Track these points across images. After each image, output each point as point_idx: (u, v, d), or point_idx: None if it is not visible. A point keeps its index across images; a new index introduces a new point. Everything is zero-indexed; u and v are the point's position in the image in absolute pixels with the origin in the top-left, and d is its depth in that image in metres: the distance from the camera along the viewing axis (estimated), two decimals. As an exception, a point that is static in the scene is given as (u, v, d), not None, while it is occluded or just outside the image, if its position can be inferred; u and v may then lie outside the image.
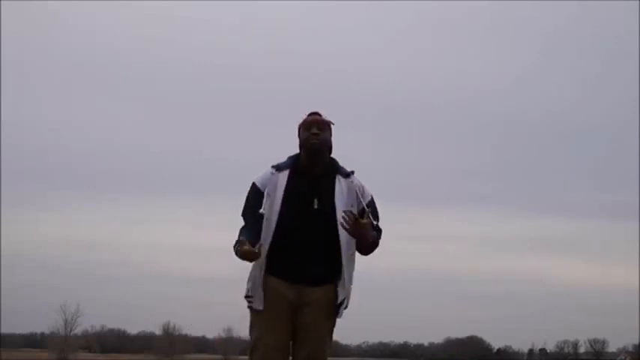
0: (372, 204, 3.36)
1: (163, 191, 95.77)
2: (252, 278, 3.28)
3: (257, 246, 3.15)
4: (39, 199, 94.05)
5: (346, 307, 3.33)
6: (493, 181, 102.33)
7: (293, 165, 3.35)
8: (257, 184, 3.33)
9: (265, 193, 3.27)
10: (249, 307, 3.29)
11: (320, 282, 3.27)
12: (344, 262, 3.24)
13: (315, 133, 3.30)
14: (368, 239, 3.25)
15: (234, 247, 3.24)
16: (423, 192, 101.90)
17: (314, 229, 3.25)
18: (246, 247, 3.14)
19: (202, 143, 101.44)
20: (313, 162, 3.34)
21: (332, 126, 3.38)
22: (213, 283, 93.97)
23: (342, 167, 3.39)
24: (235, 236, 3.31)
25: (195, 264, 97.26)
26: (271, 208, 3.25)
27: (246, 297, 3.29)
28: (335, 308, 3.29)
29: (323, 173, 3.34)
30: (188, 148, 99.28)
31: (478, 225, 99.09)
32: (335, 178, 3.33)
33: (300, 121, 3.38)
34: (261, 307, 3.24)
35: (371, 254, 3.37)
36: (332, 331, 3.35)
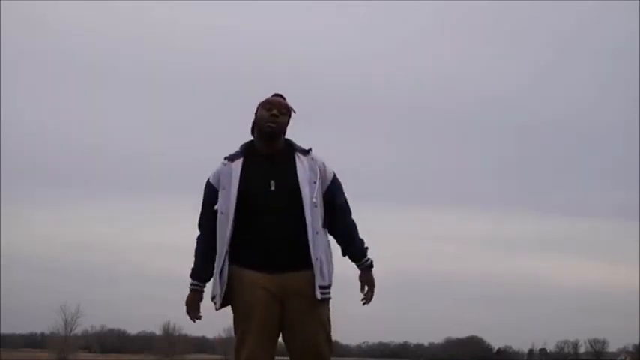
0: (336, 181, 3.23)
1: (163, 191, 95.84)
2: (213, 279, 3.16)
3: (196, 315, 3.26)
4: (39, 200, 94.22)
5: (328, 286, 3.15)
6: (493, 181, 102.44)
7: (246, 151, 3.19)
8: (210, 180, 3.19)
9: (220, 188, 3.14)
10: (216, 309, 3.16)
11: (296, 266, 3.08)
12: (310, 243, 3.06)
13: (275, 114, 3.13)
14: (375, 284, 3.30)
15: (190, 284, 3.25)
16: (423, 192, 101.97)
17: (275, 211, 3.08)
18: (191, 310, 3.26)
19: (202, 143, 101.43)
20: (266, 144, 3.17)
21: (292, 113, 3.23)
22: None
23: (299, 146, 3.23)
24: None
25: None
26: (228, 201, 3.09)
27: (212, 299, 3.17)
28: (315, 292, 3.07)
29: (279, 153, 3.18)
30: (188, 148, 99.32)
31: (478, 225, 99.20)
32: (294, 156, 3.18)
33: (262, 99, 3.21)
34: (217, 307, 3.13)
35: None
36: (328, 316, 3.17)
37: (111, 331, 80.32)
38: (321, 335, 3.13)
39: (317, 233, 3.08)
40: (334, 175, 3.23)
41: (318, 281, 3.07)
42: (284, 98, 3.21)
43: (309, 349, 3.11)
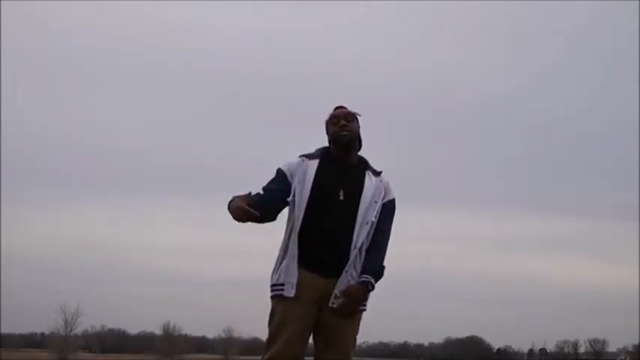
0: (391, 204, 3.34)
1: (163, 191, 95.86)
2: (283, 267, 3.18)
3: (250, 205, 3.01)
4: (39, 200, 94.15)
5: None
6: (493, 181, 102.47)
7: (323, 155, 3.33)
8: (282, 168, 3.27)
9: (295, 179, 3.21)
10: (276, 295, 3.17)
11: (338, 275, 3.17)
12: (351, 256, 3.18)
13: (344, 124, 3.30)
14: (360, 302, 3.21)
15: (230, 202, 3.12)
16: (423, 192, 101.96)
17: (338, 219, 3.20)
18: (244, 203, 3.02)
19: (202, 143, 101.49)
20: (345, 153, 3.32)
21: (359, 117, 3.39)
22: (214, 283, 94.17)
23: (372, 166, 3.39)
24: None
25: (195, 264, 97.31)
26: (301, 194, 3.20)
27: (274, 285, 3.19)
28: (330, 300, 3.18)
29: (353, 166, 3.33)
30: (188, 148, 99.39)
31: (478, 225, 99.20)
32: (366, 172, 3.32)
33: (327, 117, 3.38)
34: (292, 295, 3.14)
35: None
36: (357, 325, 3.28)
37: (111, 331, 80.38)
38: (349, 342, 3.24)
39: (355, 248, 3.18)
40: (392, 200, 3.35)
41: (337, 290, 3.16)
42: (345, 108, 3.37)
43: (334, 355, 3.21)
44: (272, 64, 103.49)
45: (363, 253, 3.22)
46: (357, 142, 3.36)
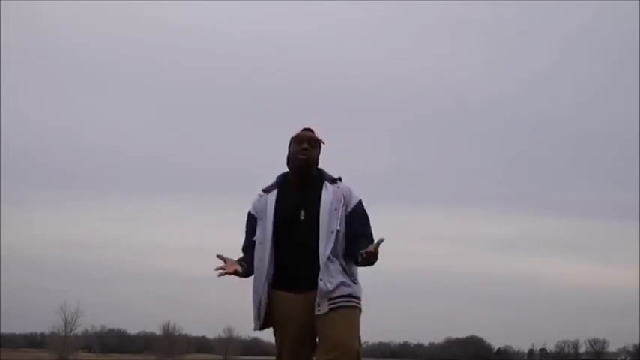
0: (359, 207, 3.42)
1: (163, 191, 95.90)
2: (253, 303, 3.40)
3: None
4: (38, 199, 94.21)
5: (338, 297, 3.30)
6: (493, 181, 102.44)
7: (280, 183, 3.48)
8: (251, 211, 3.49)
9: (258, 218, 3.42)
10: (253, 329, 3.44)
11: (314, 287, 3.29)
12: (321, 267, 3.27)
13: (305, 148, 3.39)
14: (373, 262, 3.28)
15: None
16: (423, 192, 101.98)
17: (303, 239, 3.34)
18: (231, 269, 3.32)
19: (202, 143, 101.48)
20: (299, 176, 3.44)
21: (322, 145, 3.47)
22: (213, 283, 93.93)
23: (329, 175, 3.47)
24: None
25: (195, 264, 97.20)
26: (264, 230, 3.38)
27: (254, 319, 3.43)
28: (315, 309, 3.28)
29: (310, 185, 3.43)
30: (188, 148, 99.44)
31: (478, 225, 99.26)
32: (322, 186, 3.41)
33: (293, 134, 3.45)
34: (258, 329, 3.40)
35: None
36: (355, 323, 3.33)
37: (111, 331, 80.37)
38: (345, 339, 3.25)
39: (324, 257, 3.28)
40: (359, 202, 3.42)
41: (324, 296, 3.26)
42: (313, 132, 3.45)
43: (332, 353, 3.24)
44: (272, 64, 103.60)
45: (335, 260, 3.31)
46: (314, 168, 3.46)
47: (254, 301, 3.40)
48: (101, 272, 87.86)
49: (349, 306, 3.31)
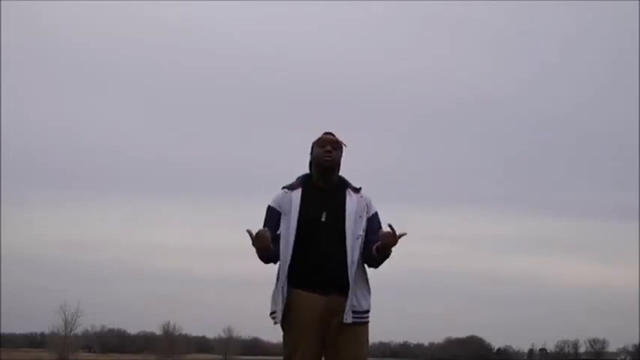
0: (375, 217, 3.52)
1: (163, 191, 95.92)
2: (274, 296, 3.44)
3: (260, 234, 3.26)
4: (38, 199, 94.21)
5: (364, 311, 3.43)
6: (493, 181, 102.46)
7: (304, 183, 3.53)
8: (272, 205, 3.50)
9: (282, 212, 3.45)
10: (275, 323, 3.43)
11: (338, 291, 3.37)
12: (349, 272, 3.37)
13: (329, 150, 3.48)
14: (389, 253, 3.38)
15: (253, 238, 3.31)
16: (423, 192, 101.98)
17: (324, 241, 3.41)
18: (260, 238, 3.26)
19: (202, 143, 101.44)
20: (324, 178, 3.52)
21: (344, 147, 3.55)
22: (213, 283, 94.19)
23: (351, 183, 3.57)
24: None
25: (195, 264, 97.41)
26: (288, 226, 3.42)
27: (270, 314, 3.45)
28: (345, 316, 3.36)
29: (333, 188, 3.52)
30: (188, 148, 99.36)
31: (478, 225, 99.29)
32: (346, 191, 3.51)
33: (315, 139, 3.55)
34: (279, 321, 3.39)
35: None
36: (366, 337, 3.46)
37: (111, 331, 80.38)
38: (360, 354, 3.41)
39: (353, 263, 3.38)
40: (376, 213, 3.55)
41: (351, 307, 3.36)
42: (334, 135, 3.55)
43: None
44: (272, 64, 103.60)
45: (361, 267, 3.44)
46: (337, 169, 3.55)
47: (276, 295, 3.41)
48: (101, 272, 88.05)
49: (366, 322, 3.45)
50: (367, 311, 3.45)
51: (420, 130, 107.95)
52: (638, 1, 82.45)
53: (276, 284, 3.43)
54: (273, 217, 3.47)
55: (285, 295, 3.38)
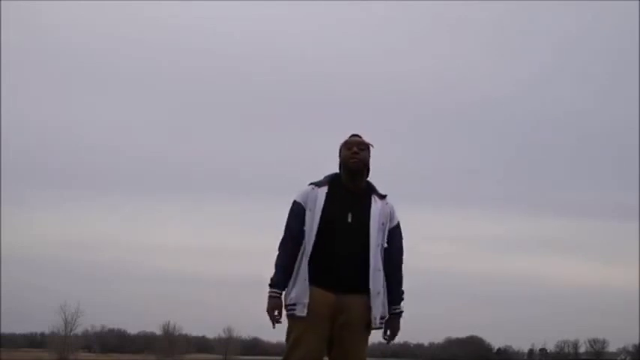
0: (398, 229, 3.62)
1: (163, 191, 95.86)
2: (296, 288, 3.44)
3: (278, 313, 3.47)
4: (38, 199, 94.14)
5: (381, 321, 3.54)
6: (493, 181, 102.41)
7: (331, 182, 3.57)
8: (298, 200, 3.55)
9: (307, 208, 3.49)
10: (289, 315, 3.44)
11: (353, 290, 3.43)
12: (370, 279, 3.43)
13: (356, 152, 3.54)
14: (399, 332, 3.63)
15: (270, 286, 3.49)
16: (423, 192, 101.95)
17: (347, 241, 3.45)
18: (274, 317, 3.46)
19: (202, 143, 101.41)
20: (353, 179, 3.56)
21: (371, 148, 3.62)
22: (213, 283, 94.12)
23: (377, 190, 3.61)
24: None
25: (194, 264, 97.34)
26: (312, 221, 3.46)
27: (288, 305, 3.45)
28: (368, 322, 3.47)
29: (360, 191, 3.56)
30: (188, 148, 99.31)
31: (478, 225, 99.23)
32: (371, 197, 3.55)
33: (342, 141, 3.61)
34: (303, 314, 3.39)
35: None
36: (367, 340, 3.54)
37: (111, 331, 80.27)
38: (359, 354, 3.48)
39: (378, 270, 3.46)
40: (398, 223, 3.62)
41: (379, 312, 3.47)
42: (360, 137, 3.62)
43: None
44: (272, 64, 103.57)
45: (382, 273, 3.49)
46: (366, 171, 3.61)
47: (301, 288, 3.43)
48: (101, 272, 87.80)
49: (377, 328, 3.54)
50: (383, 317, 3.54)
51: (420, 130, 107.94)
52: (638, 1, 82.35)
53: (297, 277, 3.44)
54: (298, 212, 3.52)
55: (307, 287, 3.40)
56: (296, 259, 3.47)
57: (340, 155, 3.61)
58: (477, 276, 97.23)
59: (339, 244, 3.43)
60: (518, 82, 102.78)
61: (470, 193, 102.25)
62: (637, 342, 70.97)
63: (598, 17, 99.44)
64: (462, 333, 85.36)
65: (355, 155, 3.54)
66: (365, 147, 3.59)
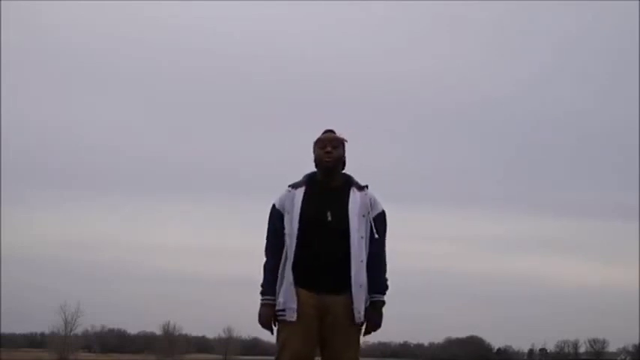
0: (381, 217, 3.53)
1: (163, 191, 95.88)
2: (283, 292, 3.43)
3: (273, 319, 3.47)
4: (38, 199, 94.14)
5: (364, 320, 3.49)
6: (493, 181, 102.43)
7: (308, 181, 3.55)
8: (276, 205, 3.53)
9: (285, 212, 3.47)
10: (280, 320, 3.44)
11: (338, 290, 3.40)
12: (352, 272, 3.39)
13: (329, 151, 3.49)
14: (380, 323, 3.53)
15: (261, 295, 3.50)
16: (423, 192, 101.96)
17: (329, 240, 3.42)
18: (267, 324, 3.49)
19: (202, 143, 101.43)
20: (328, 178, 3.53)
21: (345, 143, 3.57)
22: (213, 283, 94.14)
23: (357, 181, 3.56)
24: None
25: (195, 264, 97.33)
26: (291, 225, 3.44)
27: (278, 311, 3.45)
28: (354, 319, 3.43)
29: (338, 187, 3.52)
30: (188, 148, 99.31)
31: (478, 225, 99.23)
32: (350, 190, 3.50)
33: (315, 138, 3.56)
34: (293, 319, 3.39)
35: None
36: (359, 337, 3.50)
37: (111, 331, 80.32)
38: (350, 354, 3.45)
39: (361, 261, 3.41)
40: (382, 212, 3.55)
41: (359, 306, 3.41)
42: (334, 132, 3.56)
43: None
44: (272, 64, 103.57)
45: (364, 266, 3.43)
46: (341, 166, 3.57)
47: (288, 293, 3.42)
48: (101, 272, 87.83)
49: (363, 323, 3.49)
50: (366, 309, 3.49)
51: (420, 130, 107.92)
52: (638, 1, 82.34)
53: (283, 282, 3.44)
54: (275, 217, 3.52)
55: (294, 291, 3.39)
56: (280, 264, 3.47)
57: (314, 153, 3.57)
58: (477, 276, 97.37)
59: (320, 244, 3.41)
60: (518, 82, 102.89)
61: (470, 193, 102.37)
62: (637, 342, 71.08)
63: (598, 17, 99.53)
64: (462, 333, 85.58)
65: (329, 155, 3.50)
66: (339, 143, 3.54)
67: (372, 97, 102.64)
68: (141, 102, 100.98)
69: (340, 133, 3.57)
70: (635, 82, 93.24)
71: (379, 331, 3.52)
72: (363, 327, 3.49)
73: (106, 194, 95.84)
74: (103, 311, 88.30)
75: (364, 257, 3.42)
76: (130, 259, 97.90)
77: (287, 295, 3.40)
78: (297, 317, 3.38)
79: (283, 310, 3.41)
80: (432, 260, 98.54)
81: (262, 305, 3.49)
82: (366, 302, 3.44)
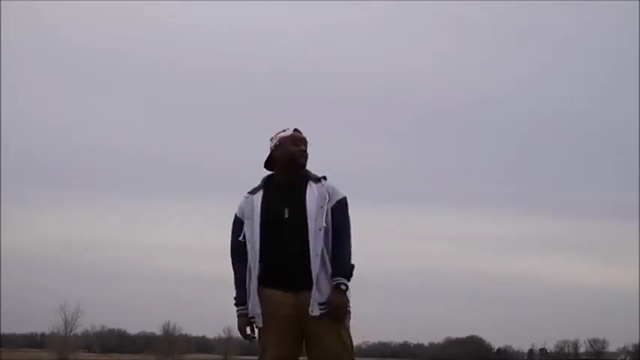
0: (340, 204, 3.51)
1: (163, 191, 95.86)
2: (251, 300, 3.50)
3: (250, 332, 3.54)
4: (38, 199, 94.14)
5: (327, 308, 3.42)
6: (493, 181, 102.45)
7: (266, 184, 3.58)
8: (237, 213, 3.60)
9: (245, 218, 3.53)
10: (256, 327, 3.50)
11: (306, 286, 3.40)
12: (312, 265, 3.40)
13: (303, 149, 3.55)
14: (344, 305, 3.44)
15: (236, 307, 3.57)
16: (423, 192, 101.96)
17: (288, 238, 3.45)
18: (246, 333, 3.55)
19: (202, 143, 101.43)
20: (294, 174, 3.54)
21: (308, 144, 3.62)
22: (213, 283, 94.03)
23: (314, 174, 3.56)
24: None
25: (195, 264, 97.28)
26: (252, 230, 3.49)
27: (250, 318, 3.51)
28: (310, 309, 3.39)
29: (295, 183, 3.53)
30: (188, 148, 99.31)
31: (478, 225, 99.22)
32: (307, 184, 3.51)
33: (283, 134, 3.57)
34: (261, 325, 3.46)
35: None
36: (345, 328, 3.45)
37: (111, 331, 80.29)
38: (337, 346, 3.42)
39: (317, 256, 3.40)
40: (342, 199, 3.53)
41: (317, 299, 3.38)
42: (301, 132, 3.59)
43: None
44: (272, 64, 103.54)
45: (326, 257, 3.42)
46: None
47: (253, 300, 3.48)
48: (101, 272, 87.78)
49: (346, 312, 3.44)
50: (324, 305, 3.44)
51: (420, 130, 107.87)
52: (638, 1, 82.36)
53: (249, 289, 3.50)
54: (237, 225, 3.59)
55: (257, 298, 3.45)
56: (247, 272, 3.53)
57: (280, 150, 3.55)
58: (477, 276, 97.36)
59: (283, 242, 3.44)
60: (518, 82, 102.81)
61: (470, 193, 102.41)
62: (637, 342, 71.08)
63: (598, 17, 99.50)
64: (462, 333, 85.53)
65: (304, 153, 3.55)
66: (307, 143, 3.60)
67: (372, 97, 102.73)
68: (141, 102, 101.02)
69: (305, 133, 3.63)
70: (635, 82, 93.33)
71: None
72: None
73: (106, 194, 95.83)
74: (103, 311, 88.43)
75: (319, 252, 3.40)
76: (130, 259, 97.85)
77: (253, 302, 3.47)
78: (271, 321, 3.42)
79: (253, 318, 3.49)
80: (432, 260, 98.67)
81: (238, 316, 3.56)
82: (325, 295, 3.40)
